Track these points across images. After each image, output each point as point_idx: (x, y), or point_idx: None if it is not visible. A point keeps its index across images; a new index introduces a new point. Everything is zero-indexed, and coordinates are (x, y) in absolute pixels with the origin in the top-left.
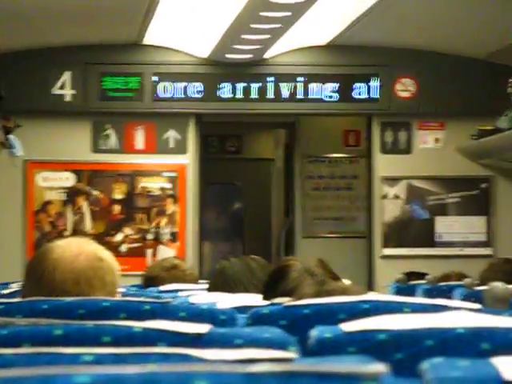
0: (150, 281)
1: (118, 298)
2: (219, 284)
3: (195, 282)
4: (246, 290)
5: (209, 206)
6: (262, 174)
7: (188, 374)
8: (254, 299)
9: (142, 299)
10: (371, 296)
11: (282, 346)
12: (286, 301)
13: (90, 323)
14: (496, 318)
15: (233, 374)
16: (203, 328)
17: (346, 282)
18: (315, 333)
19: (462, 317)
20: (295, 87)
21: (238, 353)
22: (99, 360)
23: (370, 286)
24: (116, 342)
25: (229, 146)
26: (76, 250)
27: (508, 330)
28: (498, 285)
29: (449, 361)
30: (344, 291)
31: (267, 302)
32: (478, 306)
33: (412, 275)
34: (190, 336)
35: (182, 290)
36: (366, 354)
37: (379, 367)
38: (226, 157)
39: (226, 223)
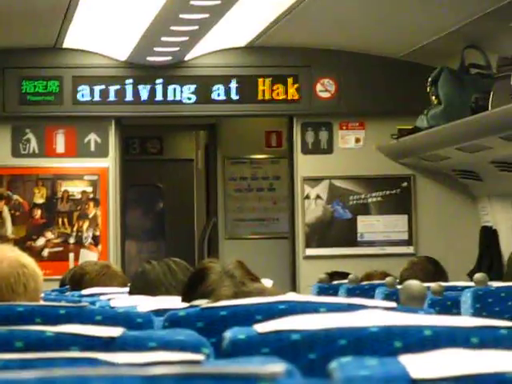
0: (77, 278)
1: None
2: (140, 287)
3: (125, 282)
4: (168, 293)
5: (131, 208)
6: (184, 175)
7: (85, 377)
8: (174, 302)
9: (57, 304)
10: (288, 296)
11: (195, 348)
12: (204, 303)
13: (3, 328)
14: (409, 316)
15: (130, 377)
16: (116, 331)
17: (267, 282)
18: (229, 334)
19: (376, 316)
20: (215, 89)
21: (148, 356)
22: (6, 366)
23: (294, 287)
24: (28, 347)
25: (150, 148)
26: None
27: (420, 328)
28: (414, 282)
29: (357, 360)
30: (262, 292)
31: (186, 305)
32: (393, 304)
33: (335, 275)
34: (102, 340)
35: (103, 294)
36: (280, 354)
37: (277, 367)
38: (148, 158)
39: (148, 225)
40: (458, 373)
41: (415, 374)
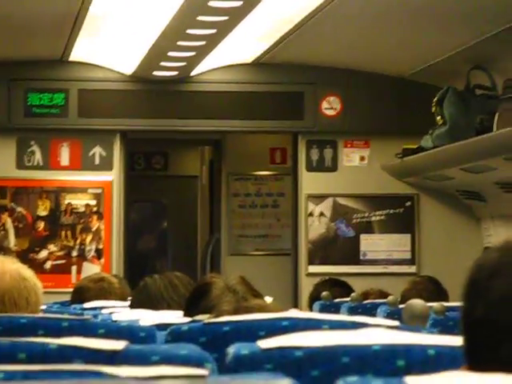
0: (77, 293)
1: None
2: (142, 300)
3: (124, 297)
4: (169, 307)
5: (135, 223)
6: (188, 191)
7: None
8: (176, 316)
9: (60, 316)
10: (291, 313)
11: (198, 362)
12: (206, 318)
13: (6, 340)
14: (412, 335)
15: None
16: (119, 345)
17: (268, 299)
18: (232, 350)
19: (378, 334)
20: (221, 104)
21: (152, 370)
22: (9, 377)
23: (296, 304)
24: (31, 359)
25: (154, 163)
26: (0, 269)
27: (423, 347)
28: (417, 302)
29: (363, 379)
30: (263, 308)
31: (188, 319)
32: (396, 323)
33: (334, 285)
34: (106, 353)
35: (105, 307)
36: (283, 370)
37: (284, 381)
38: (152, 174)
39: (152, 240)
40: None
41: None
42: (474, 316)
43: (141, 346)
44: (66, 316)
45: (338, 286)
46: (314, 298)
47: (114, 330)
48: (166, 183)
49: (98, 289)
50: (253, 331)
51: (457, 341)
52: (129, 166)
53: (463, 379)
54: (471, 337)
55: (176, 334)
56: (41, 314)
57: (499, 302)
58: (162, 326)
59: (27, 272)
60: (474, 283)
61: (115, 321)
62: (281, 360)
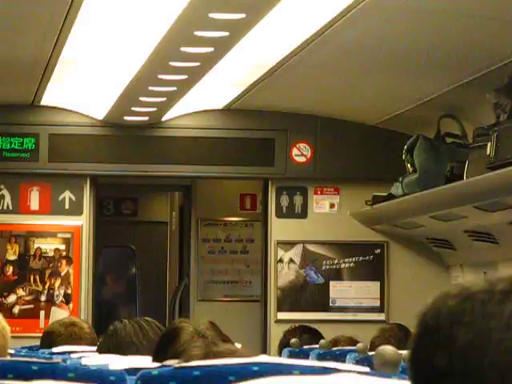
0: (47, 337)
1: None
2: (111, 345)
3: (94, 342)
4: (139, 352)
5: (104, 268)
6: (158, 236)
7: None
8: (145, 361)
9: (29, 359)
10: (261, 358)
11: None
12: (175, 363)
13: None
14: (384, 381)
15: None
16: None
17: (237, 345)
18: None
19: (351, 379)
20: (192, 150)
21: None
22: None
23: (265, 350)
24: None
25: (124, 209)
26: None
27: None
28: (388, 348)
29: None
30: (233, 353)
31: (157, 364)
32: (366, 369)
33: (303, 331)
34: None
35: (74, 352)
36: None
37: None
38: (122, 219)
39: (121, 286)
40: None
41: None
42: (435, 366)
43: None
44: (35, 359)
45: (308, 333)
46: (283, 345)
47: (83, 374)
48: (136, 229)
49: (68, 334)
50: (223, 376)
51: None
52: (98, 211)
53: None
54: None
55: (146, 379)
56: (9, 358)
57: (465, 352)
58: (131, 371)
59: None
60: (433, 331)
61: (85, 365)
62: None
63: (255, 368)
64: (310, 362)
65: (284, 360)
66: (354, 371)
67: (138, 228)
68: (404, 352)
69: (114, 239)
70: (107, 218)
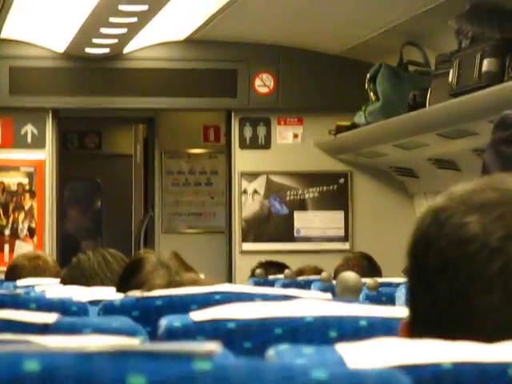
0: (11, 270)
1: None
2: (75, 277)
3: (59, 275)
4: (103, 284)
5: (69, 202)
6: (122, 170)
7: (19, 354)
8: (109, 292)
9: None
10: (223, 287)
11: (130, 335)
12: (138, 294)
13: None
14: (344, 306)
15: (64, 354)
16: (50, 317)
17: (201, 276)
18: (164, 322)
19: (311, 306)
20: (154, 82)
21: (84, 339)
22: None
23: (230, 281)
24: None
25: (88, 142)
26: None
27: (355, 318)
28: (349, 274)
29: (294, 348)
30: (195, 283)
31: (121, 295)
32: (329, 296)
33: (270, 266)
34: (37, 326)
35: (38, 285)
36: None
37: (213, 346)
38: (86, 153)
39: (86, 220)
40: (394, 363)
41: (350, 362)
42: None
43: (72, 318)
44: None
45: (275, 267)
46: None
47: (45, 305)
48: (100, 162)
49: (32, 267)
50: (185, 305)
51: (389, 312)
52: (62, 145)
53: (394, 346)
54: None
55: (108, 309)
56: None
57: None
58: (94, 302)
59: None
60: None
61: (48, 298)
62: (213, 332)
63: (217, 297)
64: (273, 290)
65: (246, 288)
66: (316, 298)
67: (103, 161)
68: (367, 280)
69: (79, 173)
70: (71, 151)
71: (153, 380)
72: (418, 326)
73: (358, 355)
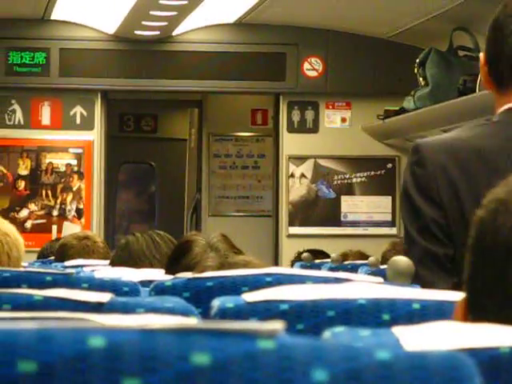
0: (60, 249)
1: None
2: (123, 258)
3: (107, 256)
4: (151, 265)
5: (124, 185)
6: (177, 154)
7: (83, 330)
8: (158, 274)
9: (43, 270)
10: (275, 269)
11: (183, 314)
12: (188, 275)
13: None
14: (397, 290)
15: (128, 331)
16: (104, 297)
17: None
18: (217, 303)
19: (363, 288)
20: (203, 65)
21: (139, 318)
22: None
23: (276, 265)
24: (16, 310)
25: (144, 125)
26: None
27: (408, 301)
28: (401, 258)
29: (350, 330)
30: (247, 264)
31: (170, 277)
32: (380, 279)
33: (317, 254)
34: (91, 304)
35: (87, 266)
36: None
37: (276, 325)
38: (141, 136)
39: (140, 203)
40: (451, 346)
41: (407, 344)
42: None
43: (126, 298)
44: (49, 270)
45: (320, 255)
46: (294, 263)
47: (97, 285)
48: (155, 145)
49: (81, 246)
50: (237, 286)
51: (442, 295)
52: (118, 128)
53: (451, 329)
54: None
55: (159, 290)
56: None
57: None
58: (144, 283)
59: (9, 227)
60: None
61: (99, 278)
62: (266, 313)
63: (269, 279)
64: (323, 273)
65: (297, 271)
66: (367, 281)
67: (158, 145)
68: None
69: (134, 155)
70: (127, 134)
71: (216, 358)
72: (476, 310)
73: (414, 338)
